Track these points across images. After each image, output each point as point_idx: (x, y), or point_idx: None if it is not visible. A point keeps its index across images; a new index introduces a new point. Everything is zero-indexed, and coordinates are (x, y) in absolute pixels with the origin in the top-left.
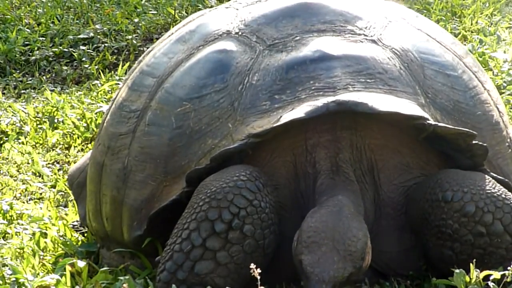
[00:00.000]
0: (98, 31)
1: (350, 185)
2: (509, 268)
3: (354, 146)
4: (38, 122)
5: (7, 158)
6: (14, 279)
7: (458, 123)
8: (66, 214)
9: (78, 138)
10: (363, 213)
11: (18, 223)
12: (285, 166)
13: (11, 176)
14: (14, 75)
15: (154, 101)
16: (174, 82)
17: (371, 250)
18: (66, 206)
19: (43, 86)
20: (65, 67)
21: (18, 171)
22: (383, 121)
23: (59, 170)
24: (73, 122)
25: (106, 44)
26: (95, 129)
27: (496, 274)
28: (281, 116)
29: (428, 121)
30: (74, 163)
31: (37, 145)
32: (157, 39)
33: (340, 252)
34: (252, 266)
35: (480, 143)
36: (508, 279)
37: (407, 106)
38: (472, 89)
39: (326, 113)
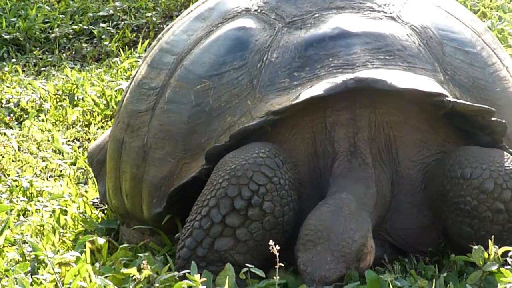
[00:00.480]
0: (118, 8)
1: (365, 170)
2: None
3: (372, 124)
4: (58, 100)
5: (27, 136)
6: (34, 256)
7: (477, 100)
8: (86, 191)
9: (98, 115)
10: (372, 205)
11: (38, 200)
12: (304, 143)
13: (31, 154)
14: (34, 52)
15: (174, 79)
16: (193, 59)
17: (390, 228)
18: (86, 183)
19: (63, 64)
20: (85, 45)
21: (38, 149)
22: (402, 98)
23: (79, 147)
24: (93, 100)
25: (125, 22)
26: (115, 106)
27: None
28: (300, 94)
29: (447, 98)
30: (94, 140)
31: (57, 122)
32: (176, 16)
33: (334, 253)
34: (271, 243)
35: (499, 119)
36: None
37: (426, 83)
38: (491, 66)
39: (345, 90)
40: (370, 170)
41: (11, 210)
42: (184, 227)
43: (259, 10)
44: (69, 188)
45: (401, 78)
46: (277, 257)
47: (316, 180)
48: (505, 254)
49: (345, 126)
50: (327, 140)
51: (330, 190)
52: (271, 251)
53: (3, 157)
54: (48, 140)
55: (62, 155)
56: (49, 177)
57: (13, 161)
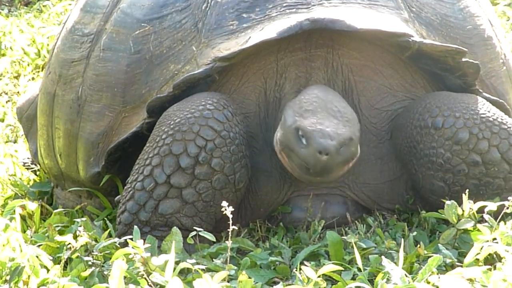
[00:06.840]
0: None
1: None
2: (509, 198)
3: (329, 65)
4: None
5: None
6: None
7: (446, 39)
8: (16, 151)
9: (28, 65)
10: None
11: None
12: (255, 92)
13: None
14: None
15: (109, 23)
16: (131, 1)
17: (353, 183)
18: (15, 141)
19: None
20: None
21: None
22: (363, 39)
23: (7, 102)
24: (22, 48)
25: None
26: (46, 55)
27: (492, 206)
28: (250, 37)
29: (412, 38)
30: (24, 93)
31: None
32: None
33: (338, 117)
34: (224, 204)
35: (471, 60)
36: (509, 210)
37: (389, 22)
38: (461, 1)
39: (299, 32)
40: None
41: None
42: (125, 189)
43: None
44: None
45: (361, 18)
46: (230, 219)
47: (268, 133)
48: (481, 210)
49: (298, 66)
50: (278, 85)
51: None
52: (223, 212)
53: None
54: None
55: None
56: None
57: None
